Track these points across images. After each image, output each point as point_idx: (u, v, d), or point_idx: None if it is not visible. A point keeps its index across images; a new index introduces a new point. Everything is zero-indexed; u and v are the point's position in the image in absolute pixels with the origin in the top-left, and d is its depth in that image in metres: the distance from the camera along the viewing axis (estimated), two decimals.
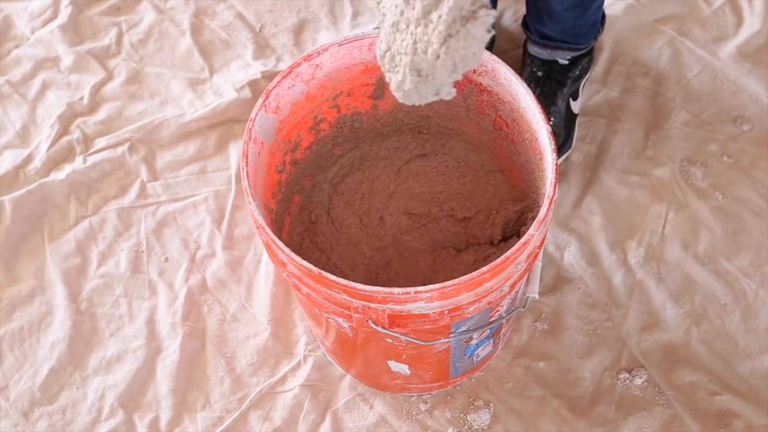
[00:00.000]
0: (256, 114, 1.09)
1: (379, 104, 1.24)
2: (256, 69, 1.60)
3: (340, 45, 1.13)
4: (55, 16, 1.68)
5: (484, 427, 1.27)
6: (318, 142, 1.24)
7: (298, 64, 1.12)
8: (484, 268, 0.95)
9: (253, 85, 1.57)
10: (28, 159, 1.51)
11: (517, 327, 1.34)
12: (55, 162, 1.51)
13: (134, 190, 1.49)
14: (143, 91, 1.60)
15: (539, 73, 1.48)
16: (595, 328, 1.34)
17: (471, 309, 1.02)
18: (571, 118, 1.48)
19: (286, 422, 1.28)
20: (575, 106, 1.49)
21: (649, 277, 1.37)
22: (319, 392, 1.30)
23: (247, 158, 1.05)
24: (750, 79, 1.54)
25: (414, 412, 1.29)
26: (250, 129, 1.08)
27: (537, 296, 1.12)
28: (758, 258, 1.38)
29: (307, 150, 1.23)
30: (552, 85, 1.47)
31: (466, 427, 1.27)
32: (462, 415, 1.28)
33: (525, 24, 1.49)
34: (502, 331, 1.24)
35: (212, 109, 1.54)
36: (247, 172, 1.05)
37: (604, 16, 1.50)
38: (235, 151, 1.52)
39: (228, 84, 1.58)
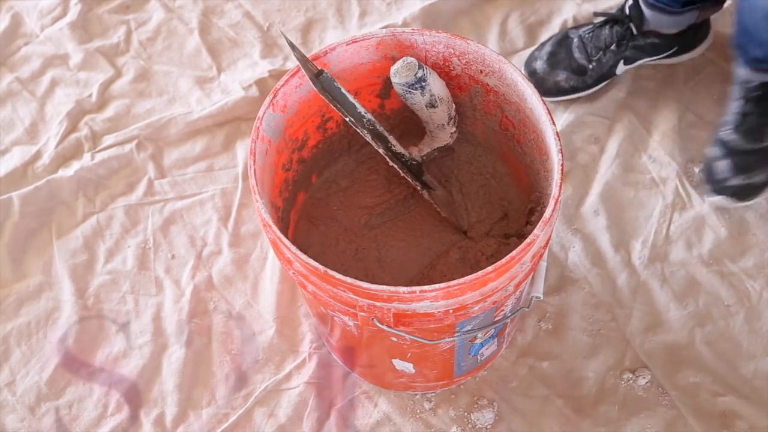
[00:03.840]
0: (264, 112, 1.09)
1: (386, 103, 1.24)
2: (263, 68, 1.60)
3: (347, 44, 1.13)
4: (64, 13, 1.69)
5: (488, 426, 1.27)
6: (325, 140, 1.25)
7: None
8: (490, 268, 0.96)
9: (260, 83, 1.58)
10: (37, 156, 1.52)
11: (521, 326, 1.34)
12: (63, 159, 1.52)
13: (142, 187, 1.49)
14: (151, 88, 1.61)
15: (758, 93, 1.39)
16: (599, 329, 1.34)
17: (476, 308, 1.02)
18: None
19: (291, 419, 1.29)
20: None
21: (654, 278, 1.37)
22: (324, 390, 1.31)
23: (254, 156, 1.06)
24: None
25: (418, 411, 1.29)
26: (258, 127, 1.08)
27: (541, 296, 1.12)
28: (762, 259, 1.38)
29: (314, 148, 1.24)
30: None
31: (470, 426, 1.27)
32: (466, 414, 1.28)
33: (736, 45, 1.40)
34: (507, 331, 1.25)
35: (220, 108, 1.55)
36: (255, 170, 1.05)
37: None
38: (242, 149, 1.53)
39: (236, 82, 1.59)
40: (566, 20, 1.63)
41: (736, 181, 1.39)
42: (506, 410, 1.28)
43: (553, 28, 1.63)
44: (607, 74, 1.52)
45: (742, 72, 1.40)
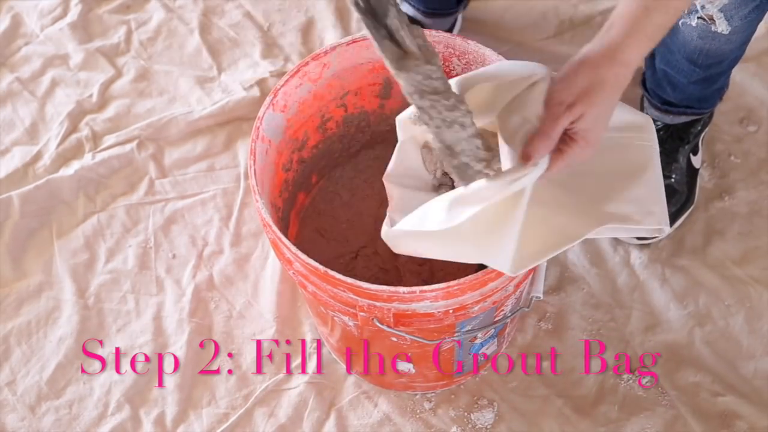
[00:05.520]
0: (264, 112, 1.09)
1: (387, 104, 1.24)
2: (264, 68, 1.60)
3: (347, 44, 1.14)
4: (64, 14, 1.69)
5: (488, 426, 1.27)
6: (325, 140, 1.25)
7: (306, 63, 1.13)
8: (490, 268, 0.96)
9: (261, 83, 1.58)
10: (37, 156, 1.52)
11: (521, 326, 1.35)
12: (64, 159, 1.52)
13: (143, 186, 1.50)
14: (152, 88, 1.61)
15: (660, 133, 1.37)
16: (599, 328, 1.34)
17: (476, 308, 1.02)
18: (692, 173, 1.42)
19: (291, 419, 1.29)
20: (696, 161, 1.43)
21: (653, 278, 1.37)
22: (324, 390, 1.31)
23: (254, 156, 1.06)
24: (755, 81, 1.54)
25: (418, 411, 1.29)
26: (258, 127, 1.08)
27: (541, 296, 1.12)
28: (764, 260, 1.38)
29: (314, 149, 1.24)
30: (674, 143, 1.40)
31: (470, 425, 1.28)
32: (466, 414, 1.28)
33: (644, 85, 1.41)
34: (507, 331, 1.25)
35: (220, 107, 1.55)
36: (255, 170, 1.05)
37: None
38: (243, 149, 1.53)
39: (236, 82, 1.59)
40: (563, 21, 1.63)
41: None
42: (506, 410, 1.28)
43: (548, 29, 1.63)
44: None
45: (649, 113, 1.41)
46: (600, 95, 0.86)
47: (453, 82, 0.94)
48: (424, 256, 0.97)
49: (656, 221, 0.95)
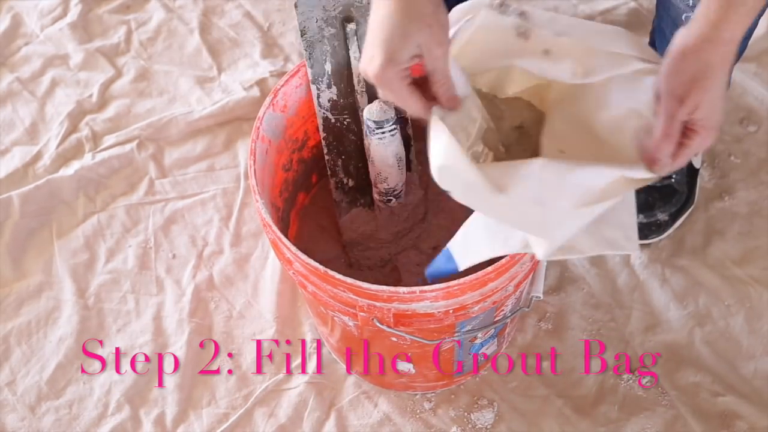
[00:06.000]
0: (264, 112, 1.10)
1: None
2: (264, 68, 1.60)
3: None
4: (64, 14, 1.69)
5: (488, 426, 1.27)
6: None
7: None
8: (489, 268, 0.96)
9: (261, 83, 1.58)
10: (37, 156, 1.52)
11: (521, 326, 1.35)
12: (64, 159, 1.52)
13: (143, 186, 1.50)
14: (152, 88, 1.61)
15: None
16: (599, 328, 1.34)
17: (476, 308, 1.02)
18: (693, 173, 1.42)
19: (291, 419, 1.29)
20: (697, 161, 1.43)
21: (653, 278, 1.37)
22: (324, 390, 1.31)
23: (254, 156, 1.06)
24: (755, 81, 1.54)
25: (418, 411, 1.29)
26: (258, 127, 1.08)
27: (541, 296, 1.12)
28: (764, 260, 1.38)
29: (315, 149, 1.24)
30: None
31: (470, 426, 1.28)
32: (466, 414, 1.28)
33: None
34: (507, 331, 1.25)
35: (220, 107, 1.55)
36: (255, 170, 1.05)
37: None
38: (243, 149, 1.53)
39: (236, 82, 1.59)
40: None
41: (638, 219, 1.37)
42: (506, 410, 1.28)
43: None
44: None
45: None
46: (710, 80, 0.83)
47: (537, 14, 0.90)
48: (467, 203, 0.87)
49: (632, 247, 0.94)
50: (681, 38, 0.85)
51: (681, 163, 0.88)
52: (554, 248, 0.87)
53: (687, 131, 0.86)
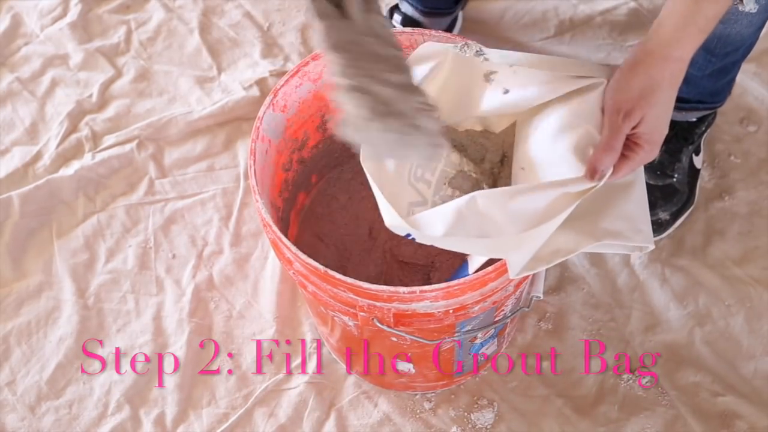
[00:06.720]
0: (264, 112, 1.09)
1: None
2: (264, 67, 1.60)
3: None
4: (64, 13, 1.69)
5: (488, 426, 1.27)
6: (325, 140, 1.25)
7: (306, 63, 1.13)
8: (489, 268, 0.96)
9: (261, 83, 1.58)
10: (37, 156, 1.52)
11: (521, 326, 1.35)
12: (64, 159, 1.52)
13: (142, 186, 1.50)
14: (152, 88, 1.61)
15: None
16: (599, 328, 1.34)
17: (476, 309, 1.02)
18: (694, 174, 1.42)
19: (291, 419, 1.29)
20: (698, 161, 1.43)
21: (653, 278, 1.37)
22: (324, 390, 1.31)
23: (254, 156, 1.06)
24: (755, 81, 1.54)
25: (418, 411, 1.29)
26: (258, 127, 1.08)
27: (541, 296, 1.12)
28: (764, 259, 1.38)
29: (314, 149, 1.24)
30: (678, 143, 1.39)
31: (470, 426, 1.28)
32: (466, 414, 1.28)
33: None
34: (507, 331, 1.25)
35: (220, 107, 1.55)
36: (255, 170, 1.05)
37: None
38: (243, 149, 1.53)
39: (236, 82, 1.59)
40: (563, 21, 1.63)
41: None
42: (506, 410, 1.28)
43: (548, 29, 1.63)
44: None
45: None
46: (657, 96, 0.85)
47: (494, 54, 0.97)
48: (444, 244, 0.93)
49: (643, 239, 0.95)
50: (632, 54, 0.87)
51: (622, 175, 0.89)
52: (520, 267, 0.92)
53: (631, 144, 0.87)
